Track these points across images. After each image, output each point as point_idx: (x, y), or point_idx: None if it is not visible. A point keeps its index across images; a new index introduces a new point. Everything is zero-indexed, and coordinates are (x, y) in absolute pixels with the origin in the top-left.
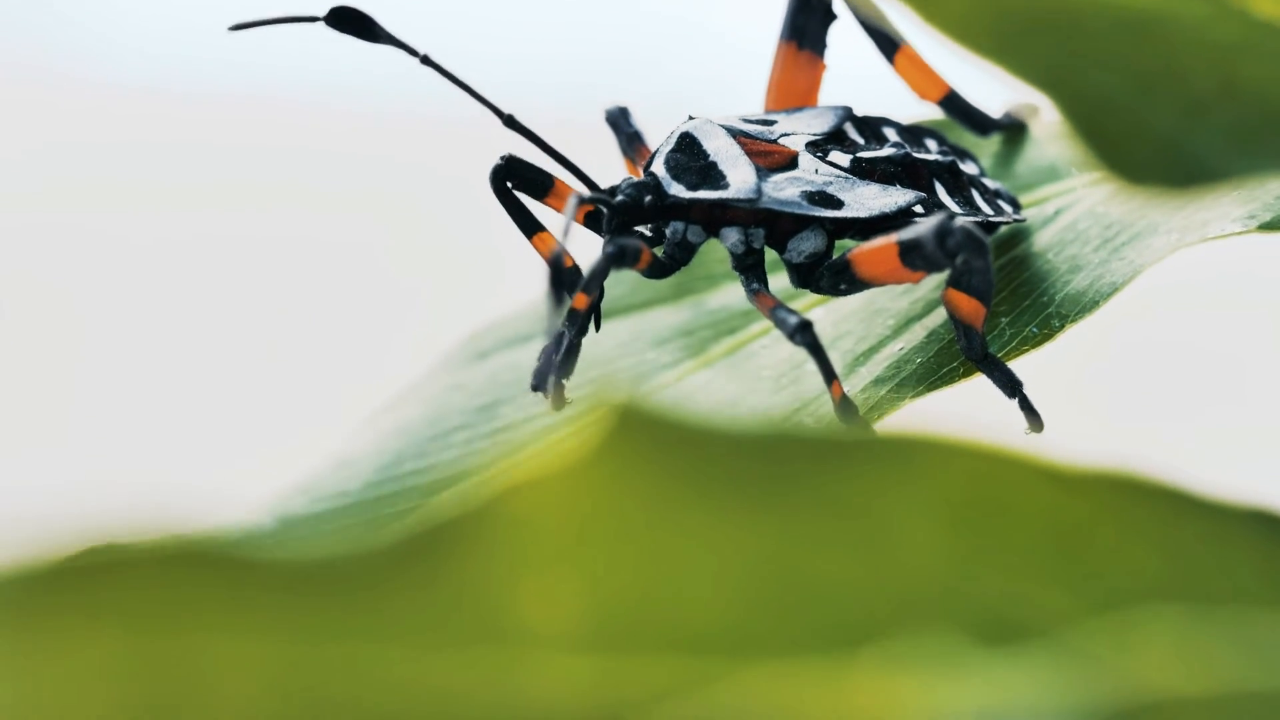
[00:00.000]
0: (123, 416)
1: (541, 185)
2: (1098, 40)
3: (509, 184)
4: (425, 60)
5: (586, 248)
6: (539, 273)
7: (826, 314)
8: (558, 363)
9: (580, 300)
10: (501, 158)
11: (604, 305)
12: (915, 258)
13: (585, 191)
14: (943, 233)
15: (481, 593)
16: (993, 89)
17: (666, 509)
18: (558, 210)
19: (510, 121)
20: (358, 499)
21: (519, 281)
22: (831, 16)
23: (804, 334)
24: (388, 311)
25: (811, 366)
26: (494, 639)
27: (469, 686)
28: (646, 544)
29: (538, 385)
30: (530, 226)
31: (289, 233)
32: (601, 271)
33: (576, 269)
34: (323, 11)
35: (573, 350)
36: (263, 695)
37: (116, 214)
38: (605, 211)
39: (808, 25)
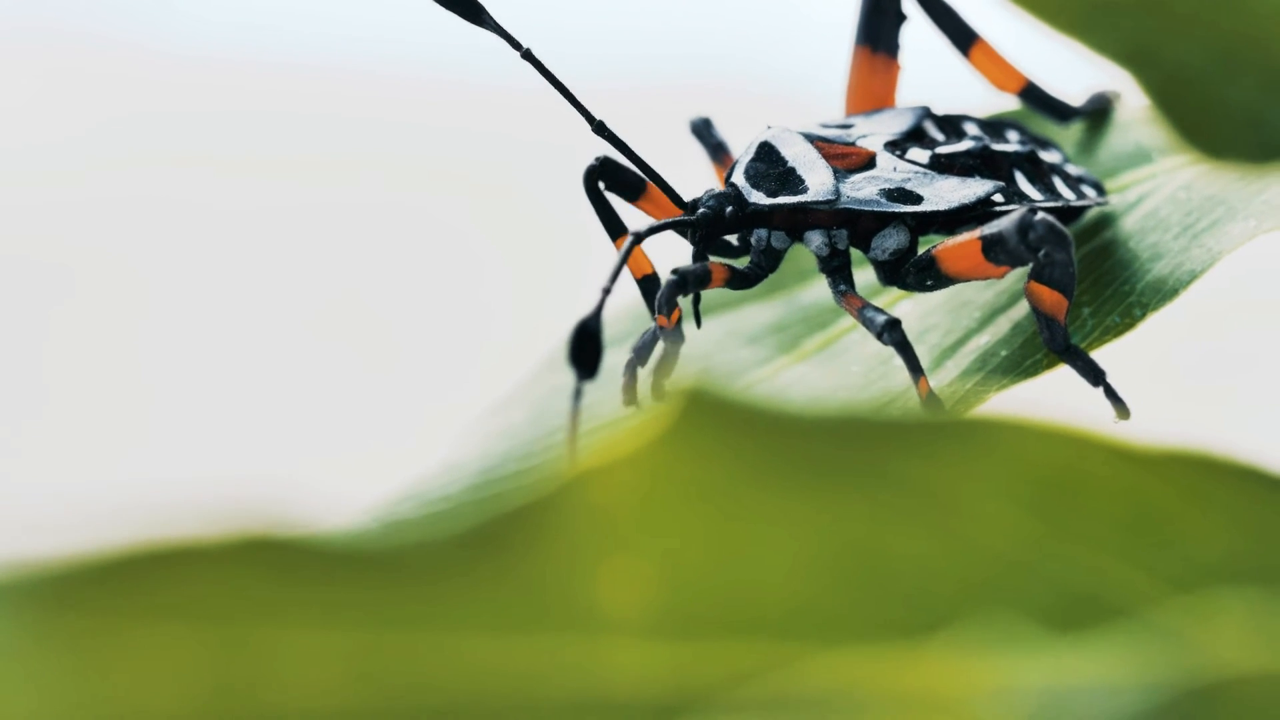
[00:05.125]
0: (224, 405)
1: (634, 188)
2: (1179, 13)
3: (601, 185)
4: (527, 55)
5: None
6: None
7: (914, 307)
8: (636, 349)
9: (660, 320)
10: (596, 159)
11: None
12: (998, 252)
13: (650, 220)
14: (1025, 226)
15: (555, 579)
16: (1075, 69)
17: (738, 493)
18: (650, 214)
19: (600, 129)
20: (459, 502)
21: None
22: (903, 18)
23: (892, 332)
24: (494, 300)
25: (899, 362)
26: (569, 625)
27: (545, 672)
28: (719, 528)
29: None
30: (616, 229)
31: (382, 214)
32: (667, 299)
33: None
34: None
35: (650, 343)
36: (338, 683)
37: (206, 187)
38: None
39: (881, 28)
